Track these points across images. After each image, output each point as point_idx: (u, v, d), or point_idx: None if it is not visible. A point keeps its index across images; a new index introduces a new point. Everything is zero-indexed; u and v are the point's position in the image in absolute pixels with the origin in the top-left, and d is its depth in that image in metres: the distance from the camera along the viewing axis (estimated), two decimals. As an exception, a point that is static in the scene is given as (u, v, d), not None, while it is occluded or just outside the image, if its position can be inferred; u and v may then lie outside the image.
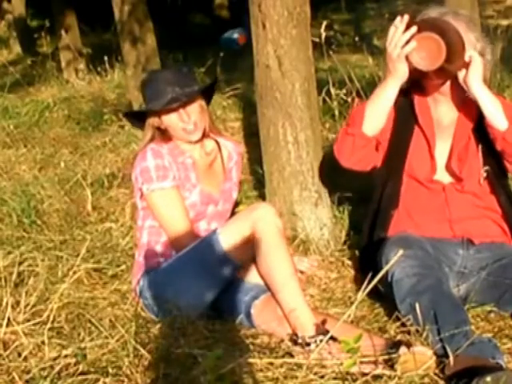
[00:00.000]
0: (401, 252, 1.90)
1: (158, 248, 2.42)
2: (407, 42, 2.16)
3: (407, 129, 2.41)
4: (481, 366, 1.77)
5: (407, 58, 2.19)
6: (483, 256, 2.32)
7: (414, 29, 2.17)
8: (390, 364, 1.87)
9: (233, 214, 2.63)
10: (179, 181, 2.42)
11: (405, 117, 2.41)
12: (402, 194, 2.42)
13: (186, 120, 2.43)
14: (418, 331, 1.99)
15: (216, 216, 2.52)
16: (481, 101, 2.20)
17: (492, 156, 2.31)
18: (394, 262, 1.92)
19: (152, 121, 2.47)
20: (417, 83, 2.37)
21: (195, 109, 2.45)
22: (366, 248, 2.50)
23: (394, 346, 1.93)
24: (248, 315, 2.24)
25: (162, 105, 2.40)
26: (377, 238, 2.41)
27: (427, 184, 2.38)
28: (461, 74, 2.23)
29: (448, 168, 2.37)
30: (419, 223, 2.38)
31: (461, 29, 2.21)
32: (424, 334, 1.95)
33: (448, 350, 1.85)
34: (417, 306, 1.92)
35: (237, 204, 2.80)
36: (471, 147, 2.35)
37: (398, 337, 2.09)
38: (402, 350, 1.87)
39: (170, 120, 2.44)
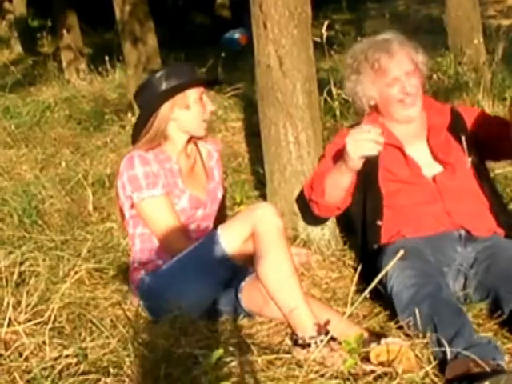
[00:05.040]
0: (398, 256, 1.90)
1: (154, 253, 2.38)
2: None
3: None
4: (480, 371, 1.77)
5: None
6: (479, 255, 2.33)
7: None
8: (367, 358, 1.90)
9: (219, 214, 2.61)
10: (168, 187, 2.36)
11: None
12: (392, 198, 2.46)
13: (208, 107, 2.41)
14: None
15: (205, 218, 2.49)
16: None
17: (474, 149, 2.44)
18: (391, 266, 1.91)
19: (164, 114, 2.36)
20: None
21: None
22: (363, 259, 2.51)
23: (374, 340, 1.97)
24: (238, 300, 2.25)
25: (202, 78, 2.41)
26: (371, 250, 2.45)
27: (416, 180, 2.43)
28: None
29: (436, 158, 2.46)
30: (415, 220, 2.40)
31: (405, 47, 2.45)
32: (425, 341, 1.95)
33: (448, 354, 1.85)
34: (417, 312, 1.96)
35: (231, 204, 2.79)
36: (450, 140, 2.47)
37: (400, 337, 2.09)
38: (373, 344, 1.91)
39: (192, 107, 2.38)
